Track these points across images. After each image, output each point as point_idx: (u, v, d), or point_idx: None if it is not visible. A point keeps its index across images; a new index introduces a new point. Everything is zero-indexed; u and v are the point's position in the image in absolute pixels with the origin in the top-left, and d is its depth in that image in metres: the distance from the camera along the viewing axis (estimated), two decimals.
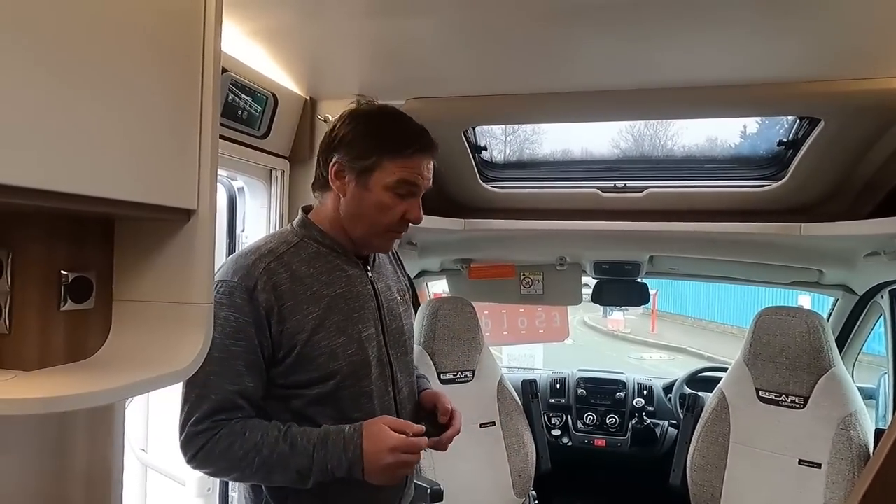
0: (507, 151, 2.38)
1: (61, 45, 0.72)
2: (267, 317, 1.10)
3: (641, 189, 2.16)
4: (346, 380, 1.16)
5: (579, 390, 2.94)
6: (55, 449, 1.05)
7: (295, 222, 1.26)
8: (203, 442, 1.07)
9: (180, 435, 1.10)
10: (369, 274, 1.26)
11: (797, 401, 2.11)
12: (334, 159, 1.18)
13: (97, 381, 0.86)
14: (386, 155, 1.15)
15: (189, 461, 1.10)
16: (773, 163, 2.07)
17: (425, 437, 1.15)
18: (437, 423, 1.27)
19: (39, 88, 0.69)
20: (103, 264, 0.98)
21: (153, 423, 1.91)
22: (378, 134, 1.18)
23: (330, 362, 1.14)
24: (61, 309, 0.90)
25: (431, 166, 1.21)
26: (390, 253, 1.40)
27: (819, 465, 2.03)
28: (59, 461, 1.06)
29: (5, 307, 0.87)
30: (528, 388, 2.79)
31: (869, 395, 2.51)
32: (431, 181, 1.21)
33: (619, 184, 2.18)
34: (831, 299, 2.77)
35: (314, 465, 1.07)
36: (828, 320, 2.46)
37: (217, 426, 1.08)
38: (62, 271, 0.90)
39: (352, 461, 1.07)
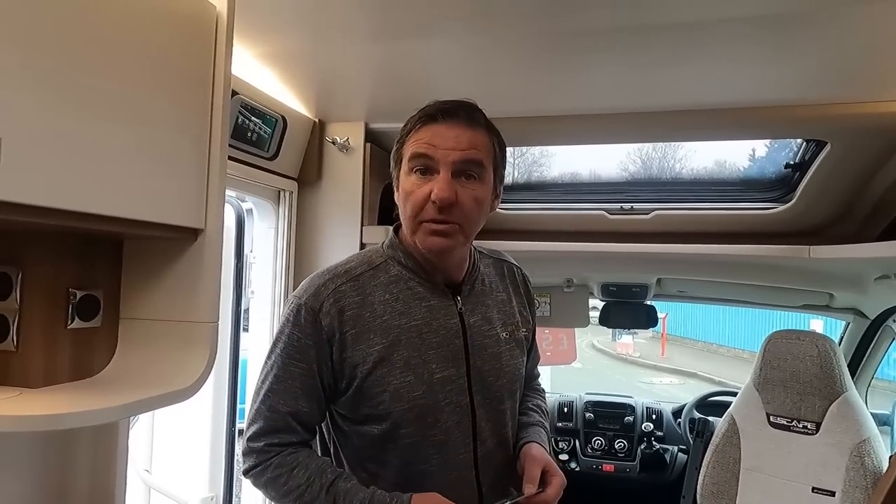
0: (516, 174, 2.39)
1: (72, 67, 0.73)
2: (329, 342, 1.01)
3: (649, 211, 2.16)
4: (409, 425, 1.02)
5: (587, 414, 2.90)
6: (59, 467, 1.05)
7: (385, 241, 1.11)
8: (255, 463, 1.03)
9: (242, 444, 1.06)
10: (459, 305, 1.08)
11: (809, 426, 2.07)
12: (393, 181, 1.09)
13: (102, 398, 0.87)
14: (403, 139, 1.05)
15: (244, 474, 1.06)
16: (780, 185, 2.07)
17: None
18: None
19: (51, 110, 0.71)
20: (111, 283, 1.00)
21: (157, 443, 1.90)
22: (403, 126, 1.06)
23: (392, 403, 1.01)
24: (68, 327, 0.91)
25: (458, 136, 0.99)
26: (518, 281, 1.23)
27: (833, 494, 1.98)
28: (63, 479, 1.06)
29: (13, 324, 0.88)
30: None
31: (883, 421, 2.46)
32: (472, 154, 0.99)
33: (627, 206, 2.18)
34: (843, 323, 2.74)
35: None
36: (839, 344, 2.42)
37: (270, 451, 1.02)
38: (70, 289, 0.92)
39: None
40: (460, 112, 1.01)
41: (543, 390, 1.37)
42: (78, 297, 0.92)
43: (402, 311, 1.04)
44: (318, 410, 1.05)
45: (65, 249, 0.91)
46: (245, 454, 1.05)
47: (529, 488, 1.02)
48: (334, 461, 1.11)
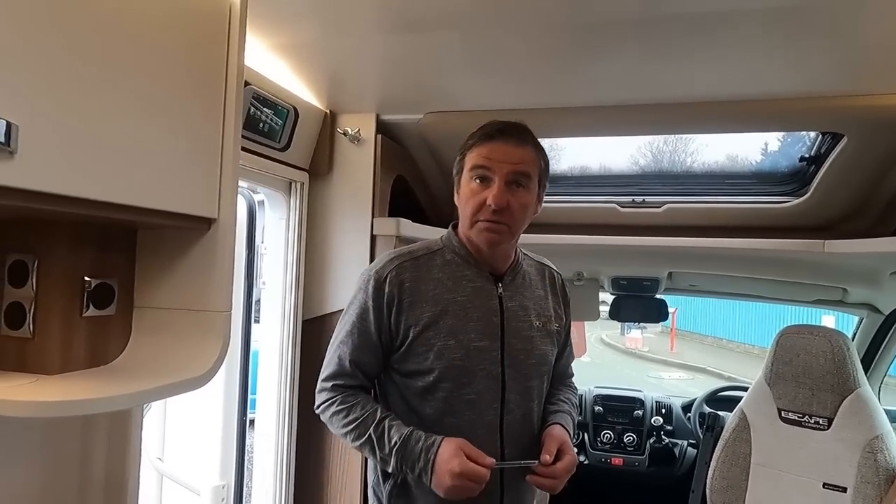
0: None
1: (89, 56, 0.74)
2: (388, 305, 1.22)
3: (660, 204, 2.15)
4: (447, 381, 1.21)
5: (596, 408, 2.90)
6: (74, 453, 1.07)
7: (444, 234, 1.34)
8: (323, 400, 1.27)
9: (317, 385, 1.30)
10: (499, 290, 1.28)
11: (821, 422, 2.06)
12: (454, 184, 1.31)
13: (117, 385, 0.87)
14: (465, 152, 1.26)
15: (315, 409, 1.30)
16: (794, 179, 2.05)
17: (486, 472, 1.13)
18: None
19: (69, 99, 0.71)
20: (125, 271, 1.00)
21: (169, 431, 1.92)
22: (464, 141, 1.28)
23: (435, 360, 1.21)
24: (83, 315, 0.92)
25: (513, 153, 1.20)
26: (556, 284, 1.41)
27: (844, 489, 1.97)
28: (78, 466, 1.07)
29: (30, 312, 0.89)
30: None
31: None
32: (522, 168, 1.20)
33: (638, 199, 2.17)
34: (855, 319, 2.71)
35: (391, 460, 1.18)
36: (853, 340, 2.40)
37: (336, 390, 1.26)
38: (85, 278, 0.92)
39: (422, 470, 1.16)
40: (514, 132, 1.22)
41: (576, 388, 1.54)
42: (93, 285, 0.93)
43: (451, 288, 1.24)
44: (375, 362, 1.26)
45: (80, 238, 0.92)
46: (317, 392, 1.29)
47: (545, 458, 1.19)
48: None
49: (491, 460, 1.15)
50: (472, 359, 1.22)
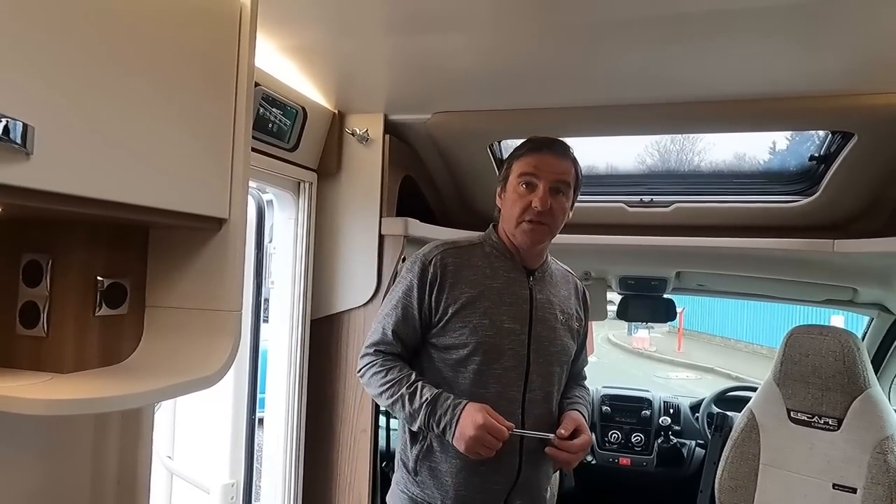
0: None
1: (103, 57, 0.75)
2: (430, 285, 1.36)
3: (668, 204, 2.14)
4: (479, 355, 1.34)
5: (604, 408, 2.89)
6: (87, 451, 1.08)
7: (486, 231, 1.49)
8: (365, 363, 1.42)
9: (361, 350, 1.46)
10: (531, 283, 1.42)
11: (830, 422, 2.04)
12: (497, 188, 1.47)
13: (130, 384, 0.88)
14: (512, 161, 1.42)
15: (357, 372, 1.45)
16: (804, 178, 2.04)
17: (506, 430, 1.26)
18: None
19: (84, 101, 0.72)
20: (137, 271, 1.01)
21: (179, 430, 1.93)
22: (511, 153, 1.45)
23: (470, 335, 1.34)
24: (96, 314, 0.93)
25: (557, 164, 1.36)
26: (579, 290, 1.56)
27: (854, 490, 1.96)
28: (91, 463, 1.08)
29: (44, 311, 0.90)
30: None
31: None
32: (563, 177, 1.36)
33: (646, 198, 2.16)
34: (865, 319, 2.69)
35: (419, 415, 1.31)
36: (863, 340, 2.38)
37: (377, 356, 1.40)
38: (98, 277, 0.93)
39: (447, 424, 1.29)
40: (558, 147, 1.40)
41: (589, 389, 1.67)
42: (105, 284, 0.94)
43: (488, 275, 1.39)
44: (414, 335, 1.40)
45: (93, 238, 0.93)
46: (360, 357, 1.45)
47: (560, 433, 1.34)
48: None
49: (510, 424, 1.28)
50: (502, 337, 1.35)
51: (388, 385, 1.36)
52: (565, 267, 1.58)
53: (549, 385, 1.42)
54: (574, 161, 1.42)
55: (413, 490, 1.40)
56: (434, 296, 1.37)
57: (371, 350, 1.43)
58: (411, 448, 1.40)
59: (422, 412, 1.31)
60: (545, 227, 1.37)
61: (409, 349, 1.43)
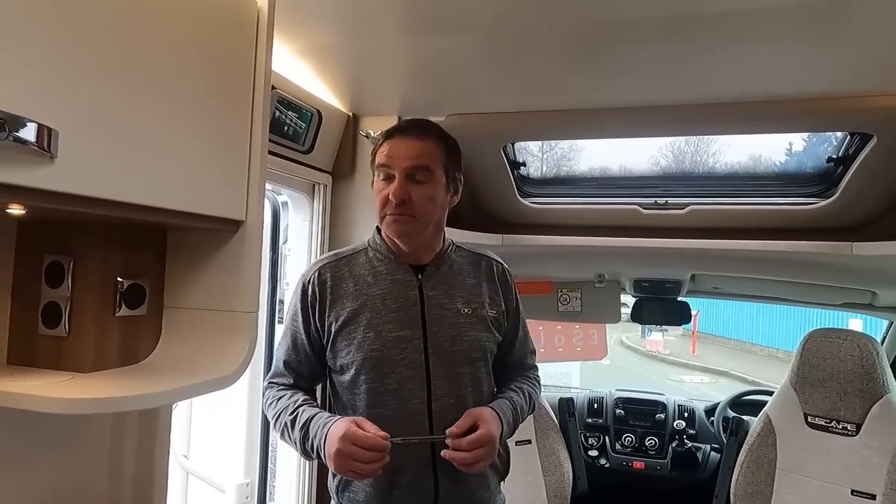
0: (544, 168, 2.37)
1: (124, 61, 0.76)
2: (311, 306, 1.30)
3: (684, 206, 2.12)
4: (367, 372, 1.26)
5: (618, 411, 2.88)
6: (106, 450, 1.09)
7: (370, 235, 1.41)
8: (264, 394, 1.35)
9: None
10: (419, 280, 1.31)
11: (849, 427, 2.02)
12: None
13: (149, 384, 0.89)
14: (374, 152, 1.32)
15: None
16: (821, 180, 2.01)
17: (376, 438, 1.13)
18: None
19: (105, 104, 0.73)
20: (156, 273, 1.03)
21: (195, 430, 1.95)
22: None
23: (355, 353, 1.26)
24: (116, 314, 0.95)
25: (410, 148, 1.25)
26: (495, 273, 1.41)
27: (874, 497, 1.93)
28: (109, 461, 1.10)
29: (65, 311, 0.92)
30: (565, 407, 2.75)
31: None
32: (418, 161, 1.25)
33: (661, 200, 2.15)
34: (885, 323, 2.65)
35: (300, 442, 1.23)
36: (882, 344, 2.35)
37: (271, 387, 1.34)
38: (118, 278, 0.95)
39: (319, 445, 1.18)
40: (413, 129, 1.29)
41: (537, 378, 1.52)
42: (125, 285, 0.95)
43: (370, 283, 1.30)
44: (307, 361, 1.33)
45: (113, 240, 0.94)
46: (263, 390, 1.37)
47: (450, 431, 1.19)
48: (327, 408, 1.33)
49: (384, 434, 1.14)
50: (389, 348, 1.25)
51: (275, 417, 1.28)
52: (480, 252, 1.44)
53: (459, 389, 1.29)
54: (440, 139, 1.30)
55: None
56: (317, 316, 1.29)
57: (266, 384, 1.36)
58: (332, 479, 1.33)
59: (300, 438, 1.22)
60: (408, 217, 1.25)
61: (305, 378, 1.35)
